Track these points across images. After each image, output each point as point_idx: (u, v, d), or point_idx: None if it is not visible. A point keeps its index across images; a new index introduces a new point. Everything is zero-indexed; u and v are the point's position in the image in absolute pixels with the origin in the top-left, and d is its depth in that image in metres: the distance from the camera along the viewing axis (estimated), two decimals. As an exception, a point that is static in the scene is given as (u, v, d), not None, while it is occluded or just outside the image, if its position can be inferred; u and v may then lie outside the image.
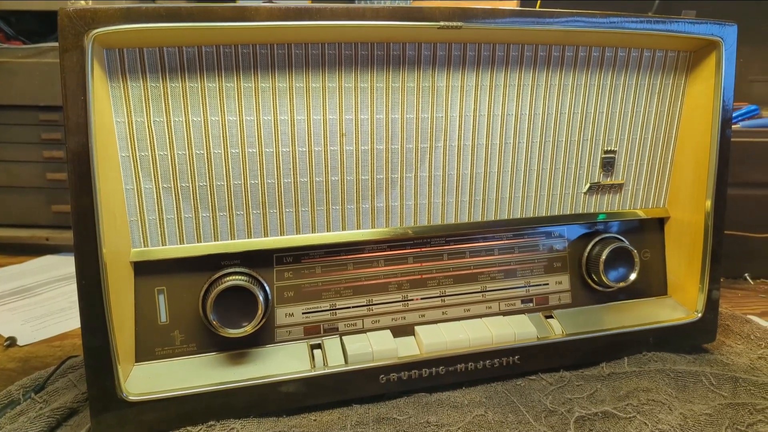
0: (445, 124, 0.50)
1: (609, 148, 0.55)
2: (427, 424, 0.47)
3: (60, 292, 0.78)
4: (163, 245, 0.47)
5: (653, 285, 0.60)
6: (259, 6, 0.42)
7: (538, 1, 0.77)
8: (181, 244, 0.47)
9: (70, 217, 0.42)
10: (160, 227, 0.46)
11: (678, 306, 0.59)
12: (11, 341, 0.63)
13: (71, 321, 0.69)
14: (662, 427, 0.45)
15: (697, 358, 0.57)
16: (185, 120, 0.45)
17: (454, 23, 0.46)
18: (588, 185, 0.56)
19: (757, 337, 0.61)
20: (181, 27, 0.41)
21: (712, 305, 0.57)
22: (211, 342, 0.49)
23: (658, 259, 0.60)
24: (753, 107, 0.81)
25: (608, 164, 0.56)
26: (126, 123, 0.44)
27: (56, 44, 0.89)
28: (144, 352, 0.47)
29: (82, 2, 0.84)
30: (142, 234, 0.46)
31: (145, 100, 0.44)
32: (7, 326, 0.68)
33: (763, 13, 0.94)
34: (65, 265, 0.89)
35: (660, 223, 0.60)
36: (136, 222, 0.46)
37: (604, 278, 0.55)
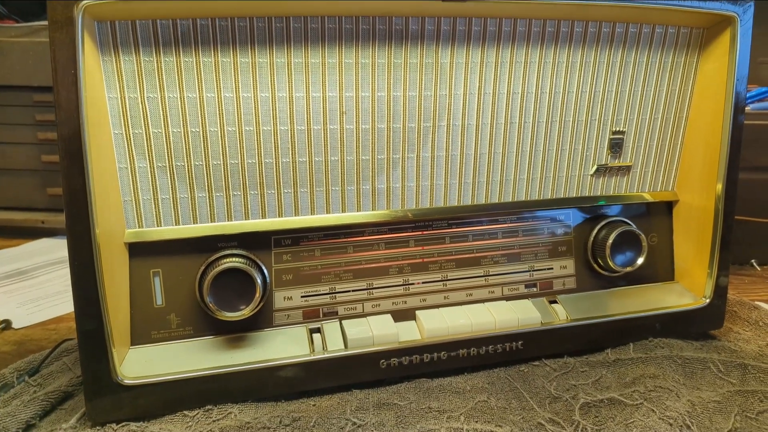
0: (449, 103, 0.49)
1: (617, 129, 0.54)
2: (428, 410, 0.46)
3: (56, 275, 0.77)
4: (158, 226, 0.45)
5: (660, 270, 0.59)
6: (256, -24, 0.40)
7: None
8: (176, 225, 0.46)
9: (62, 195, 0.41)
10: (155, 207, 0.45)
11: (685, 292, 0.58)
12: (6, 324, 0.62)
13: (67, 304, 0.68)
14: (670, 414, 0.44)
15: (705, 345, 0.56)
16: (180, 96, 0.43)
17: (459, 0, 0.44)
18: (595, 167, 0.54)
19: (765, 324, 0.60)
20: (190, 2, 0.39)
21: (720, 291, 0.56)
22: (207, 325, 0.48)
23: (665, 243, 0.59)
24: (764, 89, 0.79)
25: (616, 145, 0.54)
26: (119, 99, 0.42)
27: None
28: (139, 336, 0.46)
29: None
30: (137, 214, 0.45)
31: (138, 75, 0.42)
32: (1, 309, 0.67)
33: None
34: (61, 248, 0.87)
35: (668, 206, 0.58)
36: (131, 202, 0.44)
37: (610, 263, 0.54)
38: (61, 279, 0.76)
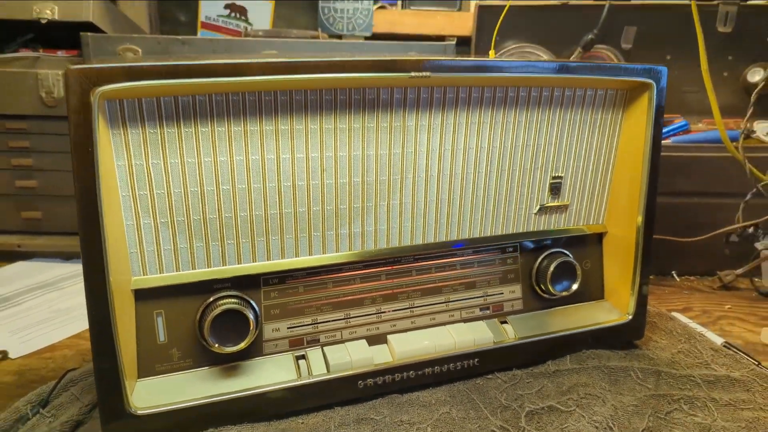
0: (414, 159, 0.56)
1: (556, 174, 0.63)
2: (400, 423, 0.54)
3: (40, 301, 0.81)
4: (160, 273, 0.51)
5: (593, 290, 0.69)
6: (252, 62, 0.46)
7: (492, 51, 0.83)
8: (177, 271, 0.52)
9: (80, 251, 0.46)
10: (158, 257, 0.51)
11: (613, 309, 0.68)
12: (3, 354, 0.66)
13: (55, 332, 0.73)
14: (597, 419, 0.54)
15: (628, 354, 0.66)
16: (180, 161, 0.49)
17: (424, 74, 0.51)
18: (538, 207, 0.63)
19: (678, 333, 0.71)
20: (180, 83, 0.45)
21: (641, 307, 0.66)
22: (205, 357, 0.54)
23: (597, 268, 0.69)
24: (683, 123, 0.90)
25: (555, 188, 0.63)
26: (126, 166, 0.48)
27: (20, 54, 0.89)
28: (145, 369, 0.52)
29: (48, 12, 0.85)
30: (142, 264, 0.50)
31: (143, 144, 0.48)
32: (-7, 338, 0.70)
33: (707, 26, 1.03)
34: (39, 271, 0.90)
35: (599, 237, 0.68)
36: (136, 253, 0.50)
37: (551, 288, 0.63)
38: (46, 305, 0.80)
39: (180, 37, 0.79)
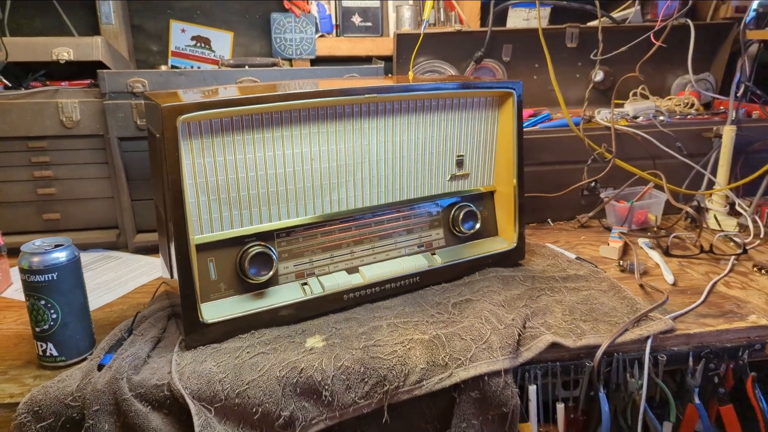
0: (369, 149, 0.87)
1: (460, 154, 0.96)
2: (373, 318, 0.84)
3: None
4: (211, 233, 0.79)
5: (489, 229, 1.02)
6: (269, 95, 0.75)
7: (411, 73, 1.14)
8: (221, 231, 0.79)
9: (167, 222, 0.72)
10: (210, 222, 0.78)
11: (504, 240, 1.02)
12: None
13: (105, 296, 0.96)
14: (494, 301, 0.86)
15: (515, 269, 1.00)
16: (224, 159, 0.77)
17: (373, 95, 0.82)
18: (450, 175, 0.96)
19: (548, 255, 1.07)
20: (225, 111, 0.73)
21: (521, 239, 1.01)
22: (242, 287, 0.82)
23: (491, 214, 1.02)
24: (546, 114, 1.27)
25: (460, 163, 0.96)
26: (192, 163, 0.75)
27: (42, 88, 1.11)
28: (204, 297, 0.79)
29: (65, 54, 1.07)
30: (200, 227, 0.78)
31: (202, 148, 0.75)
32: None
33: (559, 46, 1.40)
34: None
35: (491, 193, 1.02)
36: (197, 220, 0.77)
37: (462, 228, 0.96)
38: (87, 281, 1.03)
39: (178, 70, 1.03)
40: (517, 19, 1.42)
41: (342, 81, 1.04)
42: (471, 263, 0.97)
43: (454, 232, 0.98)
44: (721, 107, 1.39)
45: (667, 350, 0.79)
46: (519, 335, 0.77)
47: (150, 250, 1.17)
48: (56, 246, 0.73)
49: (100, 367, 0.70)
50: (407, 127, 0.89)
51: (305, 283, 0.86)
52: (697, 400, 0.79)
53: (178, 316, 0.79)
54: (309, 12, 1.39)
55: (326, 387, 0.69)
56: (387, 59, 1.45)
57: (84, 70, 1.14)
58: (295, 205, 0.83)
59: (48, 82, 1.15)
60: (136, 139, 1.11)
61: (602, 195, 1.21)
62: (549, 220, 1.27)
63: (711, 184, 1.22)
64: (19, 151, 1.10)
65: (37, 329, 0.73)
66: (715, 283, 0.94)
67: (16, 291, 1.01)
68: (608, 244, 1.08)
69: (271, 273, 0.81)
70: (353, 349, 0.74)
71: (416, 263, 0.92)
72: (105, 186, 1.15)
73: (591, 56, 1.27)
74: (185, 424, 0.67)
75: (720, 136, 1.20)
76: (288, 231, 0.84)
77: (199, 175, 0.76)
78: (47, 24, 1.39)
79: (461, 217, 0.96)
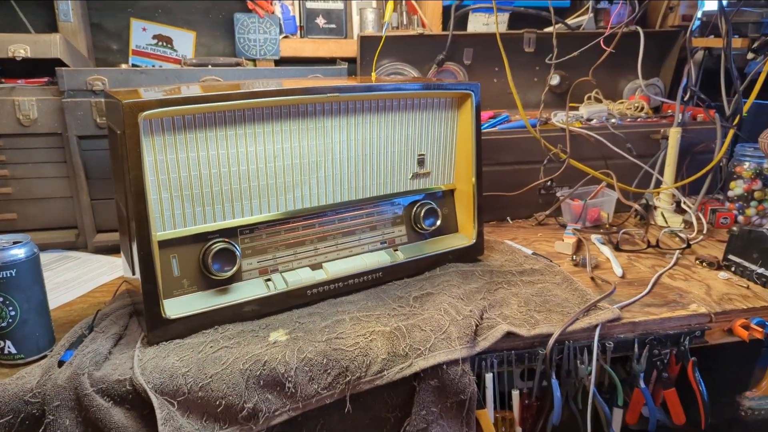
0: (332, 147, 0.89)
1: (421, 153, 0.99)
2: (337, 312, 0.86)
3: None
4: (174, 229, 0.79)
5: (450, 226, 1.06)
6: (233, 92, 0.76)
7: (374, 74, 1.17)
8: (184, 227, 0.80)
9: (129, 218, 0.73)
10: (173, 218, 0.78)
11: (464, 237, 1.05)
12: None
13: (64, 295, 0.95)
14: (454, 295, 0.89)
15: (475, 264, 1.03)
16: (186, 156, 0.77)
17: (335, 94, 0.84)
18: (411, 174, 0.99)
19: (506, 251, 1.10)
20: (187, 108, 0.74)
21: (480, 236, 1.04)
22: (205, 283, 0.82)
23: (451, 211, 1.06)
24: (505, 116, 1.31)
25: (421, 161, 0.99)
26: (154, 160, 0.75)
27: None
28: (167, 293, 0.79)
29: (22, 51, 1.05)
30: (162, 223, 0.78)
31: (164, 145, 0.75)
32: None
33: (518, 51, 1.45)
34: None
35: (452, 191, 1.05)
36: (159, 217, 0.77)
37: (423, 225, 0.99)
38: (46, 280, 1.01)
39: (139, 68, 1.03)
40: (477, 23, 1.47)
41: (305, 80, 1.06)
42: (432, 259, 1.00)
43: (416, 228, 1.00)
44: (669, 110, 1.46)
45: (615, 338, 0.83)
46: (476, 326, 0.80)
47: (110, 250, 1.16)
48: (14, 243, 0.72)
49: (60, 364, 0.70)
50: (370, 126, 0.91)
51: (269, 279, 0.87)
52: (642, 385, 0.84)
53: (140, 314, 0.80)
54: (273, 13, 1.40)
55: (289, 379, 0.70)
56: (351, 61, 1.47)
57: (40, 68, 1.12)
58: (258, 202, 0.85)
59: (3, 80, 1.13)
60: (96, 138, 1.10)
61: (558, 194, 1.26)
62: (508, 218, 1.31)
63: (658, 183, 1.29)
64: (-26, 149, 1.07)
65: (-6, 327, 0.72)
66: (660, 275, 0.99)
67: (-30, 292, 0.99)
68: (563, 240, 1.13)
69: (234, 269, 0.82)
70: (316, 341, 0.76)
71: (379, 259, 0.94)
72: (63, 185, 1.13)
73: (546, 60, 1.32)
74: (148, 419, 0.67)
75: (667, 138, 1.26)
76: (251, 228, 0.85)
77: (161, 171, 0.76)
78: (2, 21, 1.36)
79: (423, 214, 0.98)
